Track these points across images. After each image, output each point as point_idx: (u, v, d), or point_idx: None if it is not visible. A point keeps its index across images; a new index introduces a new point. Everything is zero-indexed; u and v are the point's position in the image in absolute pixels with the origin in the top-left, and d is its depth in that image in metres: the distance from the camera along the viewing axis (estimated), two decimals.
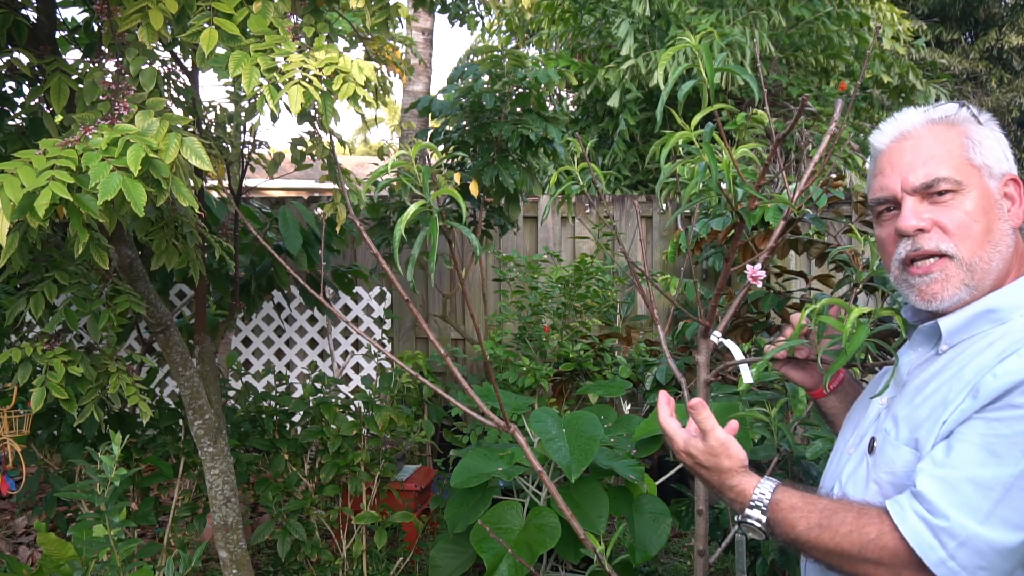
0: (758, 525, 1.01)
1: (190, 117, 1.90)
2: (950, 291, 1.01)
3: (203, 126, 2.34)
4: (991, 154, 1.03)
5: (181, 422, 2.97)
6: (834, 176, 3.26)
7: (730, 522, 2.12)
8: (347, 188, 2.45)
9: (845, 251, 2.04)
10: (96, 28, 2.27)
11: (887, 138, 1.08)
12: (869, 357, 1.21)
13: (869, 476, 1.04)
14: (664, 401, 1.15)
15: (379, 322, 4.49)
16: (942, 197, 1.01)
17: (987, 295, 1.01)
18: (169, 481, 2.93)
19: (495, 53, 3.39)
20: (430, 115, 3.60)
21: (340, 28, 2.13)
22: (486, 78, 3.40)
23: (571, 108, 6.98)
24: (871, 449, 1.06)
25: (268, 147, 2.67)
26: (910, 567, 0.90)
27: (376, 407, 3.10)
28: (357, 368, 4.50)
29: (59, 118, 1.94)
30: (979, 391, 0.92)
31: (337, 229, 2.36)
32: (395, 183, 1.37)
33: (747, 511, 1.03)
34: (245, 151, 2.60)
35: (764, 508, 1.01)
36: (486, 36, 8.76)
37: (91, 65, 1.80)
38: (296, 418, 3.22)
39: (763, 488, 1.02)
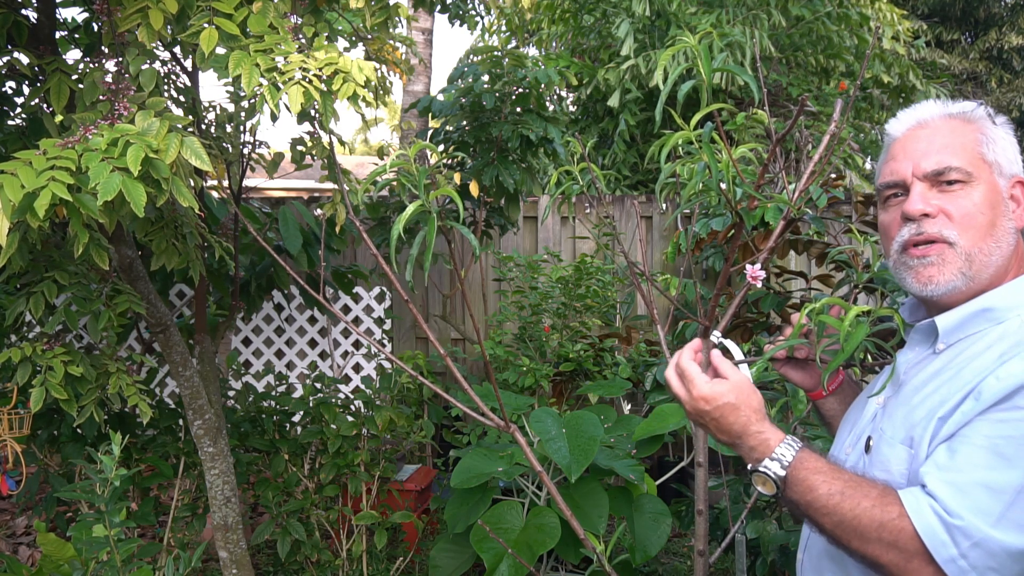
0: (774, 479, 0.99)
1: (190, 117, 1.90)
2: (946, 276, 1.01)
3: (203, 126, 2.34)
4: (1003, 153, 1.04)
5: (181, 422, 2.97)
6: (834, 176, 3.26)
7: (730, 522, 2.12)
8: (347, 188, 2.45)
9: (845, 251, 2.04)
10: (96, 28, 2.27)
11: (903, 126, 1.09)
12: (868, 356, 1.21)
13: (865, 475, 1.04)
14: (691, 346, 1.11)
15: (379, 322, 4.49)
16: (951, 187, 1.02)
17: (984, 294, 1.01)
18: (169, 481, 2.93)
19: (495, 53, 3.39)
20: (430, 115, 3.61)
21: (340, 28, 2.13)
22: (486, 78, 3.40)
23: (571, 108, 6.98)
24: (867, 448, 1.06)
25: (268, 147, 2.67)
26: (921, 557, 0.89)
27: (376, 407, 3.10)
28: (357, 368, 4.50)
29: (59, 118, 1.94)
30: (982, 393, 0.91)
31: (337, 229, 2.36)
32: (395, 183, 1.36)
33: (767, 462, 0.99)
34: (245, 151, 2.60)
35: (786, 464, 0.98)
36: (486, 36, 8.76)
37: (91, 65, 1.80)
38: (296, 418, 3.22)
39: (790, 442, 1.00)
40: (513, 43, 8.57)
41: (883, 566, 0.92)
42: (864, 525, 0.92)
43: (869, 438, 1.06)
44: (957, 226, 1.01)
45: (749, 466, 1.03)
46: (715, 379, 1.06)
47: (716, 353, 1.10)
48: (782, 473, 0.98)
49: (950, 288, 1.01)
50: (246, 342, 4.48)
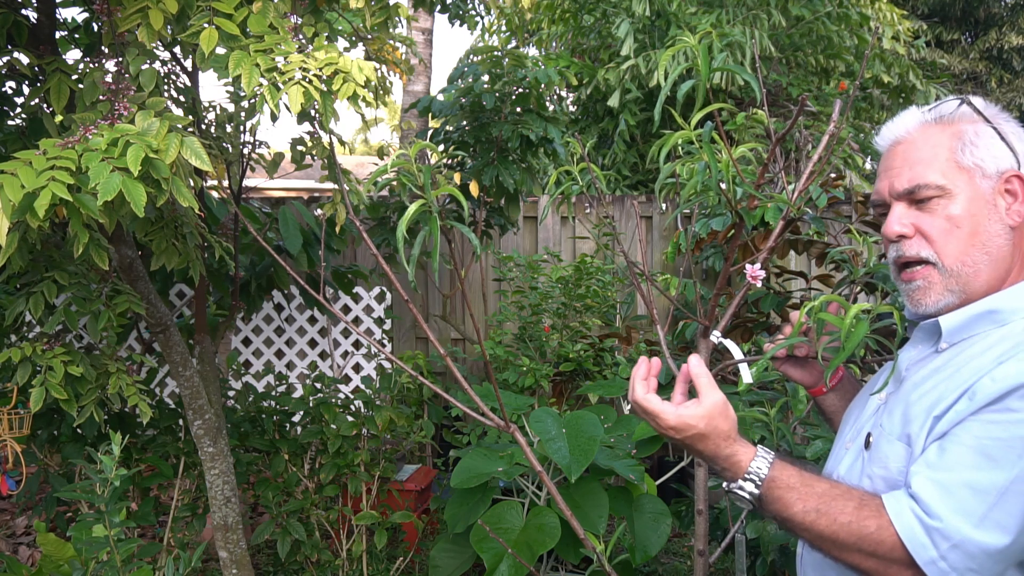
0: (748, 498, 0.99)
1: (190, 117, 1.90)
2: (933, 297, 1.02)
3: (203, 126, 2.34)
4: (986, 151, 1.01)
5: (181, 422, 2.97)
6: (834, 176, 3.26)
7: (730, 522, 2.12)
8: (347, 188, 2.45)
9: (845, 251, 2.04)
10: (96, 28, 2.27)
11: (885, 141, 1.10)
12: (868, 354, 1.21)
13: (863, 471, 1.05)
14: (642, 376, 1.08)
15: (379, 322, 4.49)
16: (928, 203, 1.02)
17: (989, 296, 1.01)
18: (169, 481, 2.93)
19: (495, 53, 3.39)
20: (430, 115, 3.61)
21: (340, 28, 2.13)
22: (486, 78, 3.40)
23: (571, 108, 6.98)
24: (867, 444, 1.06)
25: (268, 147, 2.67)
26: (900, 563, 0.91)
27: (376, 407, 3.10)
28: (357, 368, 4.50)
29: (59, 118, 1.94)
30: (976, 394, 0.92)
31: (337, 229, 2.36)
32: (395, 183, 1.36)
33: (740, 482, 1.00)
34: (245, 151, 2.60)
35: (759, 483, 0.98)
36: (486, 36, 8.76)
37: (91, 65, 1.80)
38: (296, 418, 3.22)
39: (759, 463, 0.99)
40: (513, 43, 8.58)
41: (864, 571, 0.94)
42: (842, 539, 0.93)
43: (869, 434, 1.07)
44: (934, 244, 1.01)
45: (724, 485, 1.03)
46: (684, 405, 1.03)
47: (695, 364, 1.06)
48: (756, 492, 0.99)
49: (941, 307, 1.02)
50: (246, 342, 4.48)
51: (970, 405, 0.92)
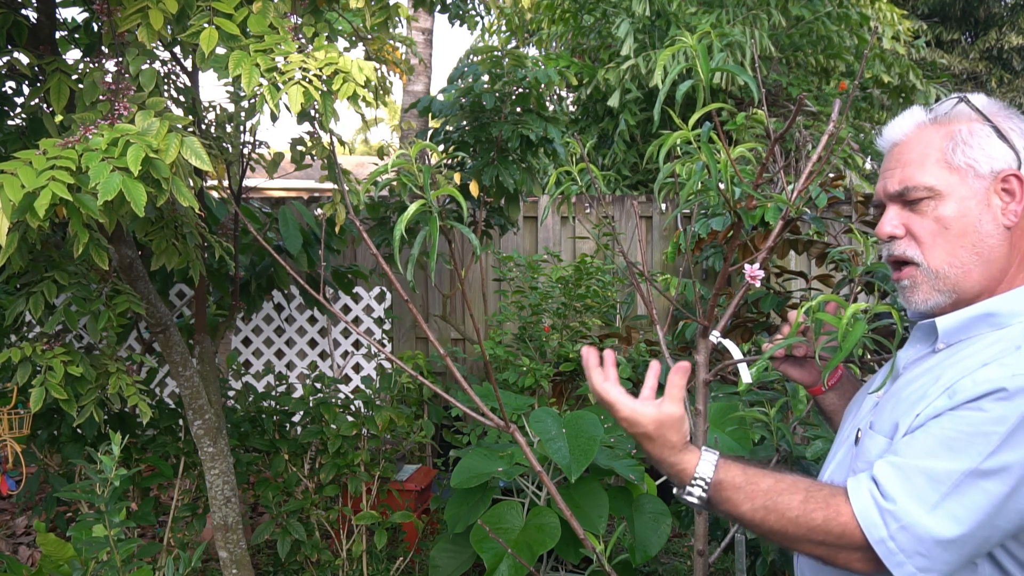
0: (698, 503, 1.02)
1: (190, 117, 1.90)
2: (920, 296, 1.03)
3: (203, 126, 2.34)
4: (980, 151, 1.00)
5: (181, 422, 2.97)
6: (834, 176, 3.26)
7: (730, 522, 2.12)
8: (347, 188, 2.45)
9: (845, 251, 2.04)
10: (96, 28, 2.27)
11: (885, 142, 1.11)
12: (867, 353, 1.21)
13: (850, 466, 1.07)
14: (595, 364, 1.07)
15: (379, 322, 4.49)
16: (918, 204, 1.02)
17: (989, 298, 1.01)
18: (169, 481, 2.93)
19: (495, 53, 3.39)
20: (430, 115, 3.61)
21: (340, 28, 2.13)
22: (486, 78, 3.41)
23: (571, 108, 6.98)
24: (857, 440, 1.08)
25: (268, 147, 2.68)
26: (849, 548, 0.93)
27: (376, 407, 3.10)
28: (357, 368, 4.50)
29: (59, 118, 1.94)
30: (956, 392, 0.93)
31: (337, 229, 2.36)
32: (395, 183, 1.37)
33: (688, 487, 1.02)
34: (245, 151, 2.60)
35: (705, 487, 1.01)
36: (486, 36, 8.77)
37: (91, 65, 1.80)
38: (296, 418, 3.22)
39: (704, 467, 1.01)
40: (513, 43, 8.58)
41: (816, 558, 0.98)
42: (792, 533, 0.96)
43: (859, 430, 1.09)
44: (921, 245, 1.02)
45: (674, 491, 1.06)
46: (642, 401, 1.03)
47: (674, 375, 1.05)
48: (704, 496, 1.01)
49: (931, 306, 1.03)
50: (246, 342, 4.48)
51: (948, 402, 0.93)
